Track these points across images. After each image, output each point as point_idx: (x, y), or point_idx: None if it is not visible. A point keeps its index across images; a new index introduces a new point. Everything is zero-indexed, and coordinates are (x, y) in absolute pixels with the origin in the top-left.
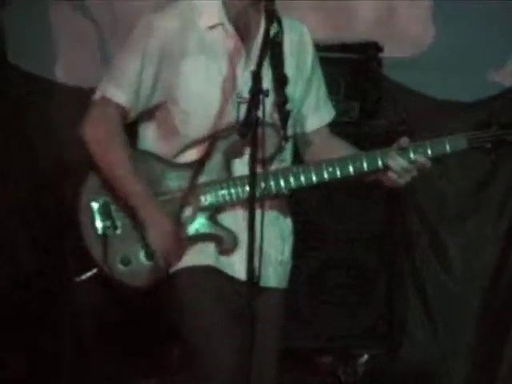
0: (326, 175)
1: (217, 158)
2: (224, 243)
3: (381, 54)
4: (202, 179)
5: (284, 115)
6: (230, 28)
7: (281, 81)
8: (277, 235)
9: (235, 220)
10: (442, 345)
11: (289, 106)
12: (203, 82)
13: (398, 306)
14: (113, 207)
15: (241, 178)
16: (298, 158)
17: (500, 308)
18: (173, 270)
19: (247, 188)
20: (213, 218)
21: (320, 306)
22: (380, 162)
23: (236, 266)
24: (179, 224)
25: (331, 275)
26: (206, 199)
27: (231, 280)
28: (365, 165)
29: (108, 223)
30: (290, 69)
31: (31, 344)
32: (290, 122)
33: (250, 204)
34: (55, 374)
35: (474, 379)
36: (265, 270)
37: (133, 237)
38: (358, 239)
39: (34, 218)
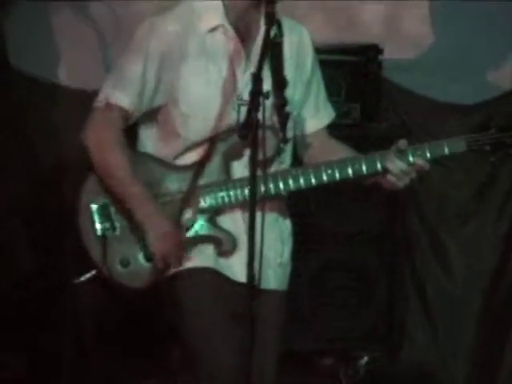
0: (324, 177)
1: (216, 160)
2: (223, 245)
3: (381, 56)
4: (202, 181)
5: (283, 117)
6: (230, 30)
7: (280, 83)
8: (276, 237)
9: (234, 222)
10: (442, 347)
11: (288, 108)
12: (204, 84)
13: (398, 308)
14: (112, 209)
15: (240, 180)
16: (297, 160)
17: (500, 310)
18: (172, 271)
19: (246, 190)
20: (212, 220)
21: (320, 307)
22: (379, 165)
23: (235, 267)
24: (179, 226)
25: (331, 277)
26: (206, 201)
27: (230, 282)
28: (364, 167)
29: (107, 225)
30: (289, 71)
31: (31, 344)
32: (289, 124)
33: (251, 206)
34: (55, 373)
35: (474, 381)
36: (264, 272)
37: (132, 238)
38: (358, 241)
39: (34, 217)
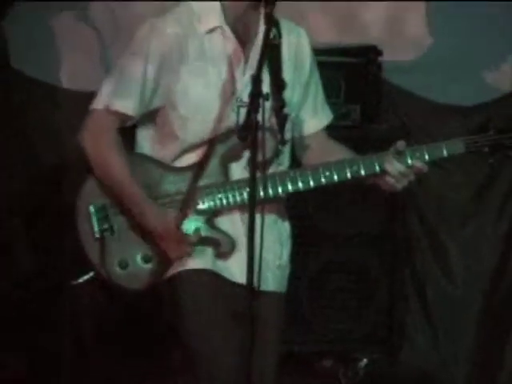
0: (323, 179)
1: (215, 162)
2: (221, 247)
3: (381, 58)
4: (200, 183)
5: (281, 119)
6: (228, 31)
7: (278, 85)
8: (275, 239)
9: (233, 224)
10: (441, 349)
11: (286, 110)
12: (203, 87)
13: (398, 309)
14: (111, 210)
15: (238, 181)
16: (295, 162)
17: (500, 312)
18: (170, 273)
19: (245, 192)
20: (210, 222)
21: (320, 309)
22: (377, 167)
23: (233, 269)
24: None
25: (331, 279)
26: (204, 203)
27: (228, 283)
28: (362, 169)
29: (106, 226)
30: (287, 73)
31: (31, 344)
32: (287, 126)
33: (251, 208)
34: (55, 373)
35: (474, 382)
36: (263, 274)
37: (130, 240)
38: (357, 242)
39: (34, 217)
